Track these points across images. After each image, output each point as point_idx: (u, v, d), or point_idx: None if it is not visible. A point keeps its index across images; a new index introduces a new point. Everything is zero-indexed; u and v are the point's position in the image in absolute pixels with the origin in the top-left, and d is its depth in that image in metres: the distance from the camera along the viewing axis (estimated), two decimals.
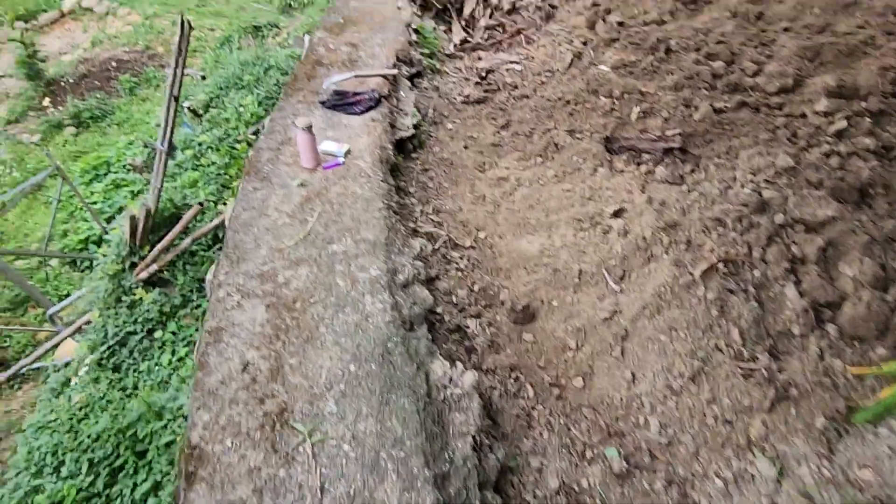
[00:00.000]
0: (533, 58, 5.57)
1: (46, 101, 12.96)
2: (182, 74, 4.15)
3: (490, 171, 4.44)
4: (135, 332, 4.57)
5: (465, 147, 4.69)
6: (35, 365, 6.34)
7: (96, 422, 3.81)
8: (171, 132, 4.56)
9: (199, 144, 6.28)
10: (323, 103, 4.18)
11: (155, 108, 12.88)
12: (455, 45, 6.15)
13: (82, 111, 12.20)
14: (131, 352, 4.47)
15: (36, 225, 10.14)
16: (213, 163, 5.86)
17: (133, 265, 4.89)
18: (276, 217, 3.19)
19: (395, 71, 4.60)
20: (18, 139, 12.30)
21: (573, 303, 3.31)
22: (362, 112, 4.09)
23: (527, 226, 3.87)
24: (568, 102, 4.69)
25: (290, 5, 13.25)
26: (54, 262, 8.57)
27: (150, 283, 4.90)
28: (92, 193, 9.81)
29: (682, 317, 2.95)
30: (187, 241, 4.63)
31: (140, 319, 4.61)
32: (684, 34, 4.95)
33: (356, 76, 4.54)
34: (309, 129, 3.38)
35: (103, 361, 4.40)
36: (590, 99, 4.62)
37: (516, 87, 5.26)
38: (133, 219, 4.72)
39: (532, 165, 4.39)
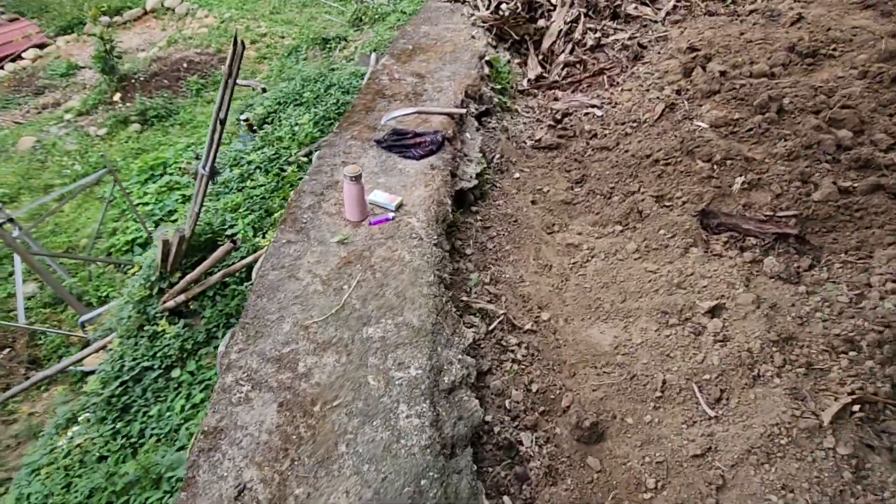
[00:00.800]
0: (616, 103, 4.98)
1: (117, 97, 13.23)
2: (230, 98, 3.78)
3: (559, 235, 3.86)
4: (152, 369, 4.20)
5: (533, 202, 4.13)
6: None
7: (91, 476, 3.43)
8: (215, 156, 4.20)
9: (248, 163, 5.97)
10: (379, 142, 3.71)
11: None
12: (529, 81, 5.62)
13: (148, 109, 12.34)
14: (144, 391, 4.09)
15: (88, 220, 10.19)
16: (260, 185, 5.51)
17: (161, 292, 4.56)
18: (308, 282, 2.72)
19: (463, 110, 4.10)
20: (86, 131, 12.57)
21: (653, 423, 2.68)
22: (421, 157, 3.60)
23: (599, 310, 3.27)
24: (657, 162, 4.07)
25: (360, 19, 13.10)
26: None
27: (175, 313, 4.55)
28: (145, 194, 9.78)
29: (801, 474, 2.28)
30: (218, 275, 4.25)
31: (159, 354, 4.24)
32: (801, 93, 4.25)
33: (419, 112, 4.07)
34: (357, 178, 2.91)
35: (113, 399, 4.03)
36: (683, 160, 3.98)
37: (595, 135, 4.67)
38: (166, 244, 4.39)
39: (609, 234, 3.78)
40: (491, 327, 2.99)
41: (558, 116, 4.97)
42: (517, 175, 4.35)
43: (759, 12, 5.89)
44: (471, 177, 3.78)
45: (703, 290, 3.15)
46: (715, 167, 3.84)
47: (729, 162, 3.83)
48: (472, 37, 5.39)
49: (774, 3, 5.94)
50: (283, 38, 15.05)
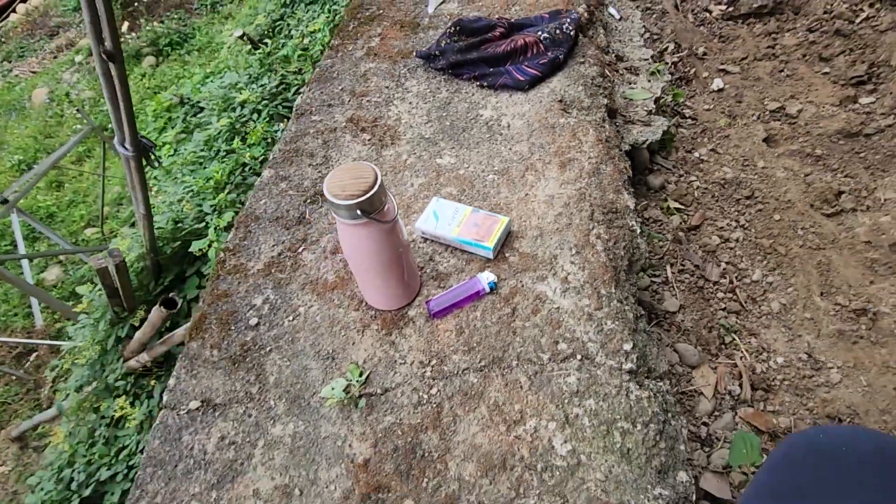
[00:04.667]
0: None
1: (125, 26, 11.36)
2: (111, 21, 1.75)
3: (860, 217, 1.69)
4: (114, 481, 2.60)
5: (769, 140, 1.93)
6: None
7: None
8: (132, 123, 2.26)
9: (242, 105, 3.97)
10: (429, 59, 1.60)
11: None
12: None
13: (160, 37, 10.39)
14: None
15: (110, 182, 8.76)
16: (256, 142, 3.55)
17: (122, 340, 2.87)
18: None
19: None
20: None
21: None
22: (533, 80, 1.48)
23: None
24: None
25: None
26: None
27: (146, 374, 2.87)
28: (163, 145, 8.12)
29: None
30: (182, 329, 2.46)
31: (122, 457, 2.61)
32: None
33: None
34: (371, 209, 0.88)
35: None
36: None
37: None
38: (104, 275, 2.62)
39: None
40: None
41: None
42: (717, 83, 2.11)
43: None
44: (649, 111, 1.63)
45: None
46: None
47: None
48: None
49: None
50: None
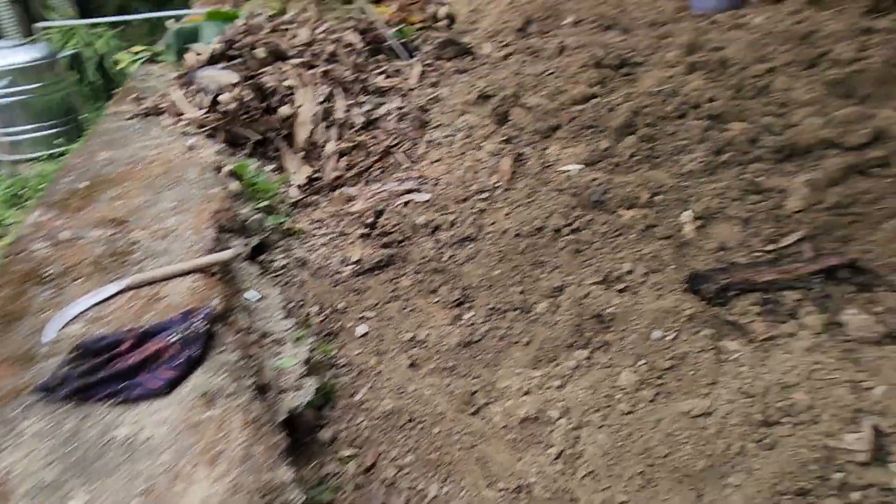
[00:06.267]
0: (437, 180, 3.52)
1: None
2: None
3: (495, 409, 2.07)
4: None
5: (413, 365, 2.28)
6: None
7: None
8: None
9: None
10: (49, 391, 1.48)
11: None
12: (300, 188, 3.86)
13: None
14: None
15: None
16: None
17: None
18: None
19: (229, 254, 2.09)
20: None
21: None
22: (171, 384, 1.49)
23: None
24: (558, 233, 2.65)
25: (17, 195, 9.77)
26: None
27: None
28: None
29: None
30: None
31: None
32: (652, 101, 3.36)
33: (134, 287, 1.94)
34: None
35: None
36: (596, 219, 2.63)
37: (438, 227, 3.10)
38: None
39: (574, 373, 2.12)
40: None
41: (370, 219, 3.28)
42: (360, 330, 2.46)
43: (518, 52, 5.25)
44: (299, 375, 1.78)
45: (825, 407, 1.67)
46: (646, 213, 2.57)
47: (660, 198, 2.61)
48: (190, 147, 3.45)
49: (529, 43, 5.40)
50: None
